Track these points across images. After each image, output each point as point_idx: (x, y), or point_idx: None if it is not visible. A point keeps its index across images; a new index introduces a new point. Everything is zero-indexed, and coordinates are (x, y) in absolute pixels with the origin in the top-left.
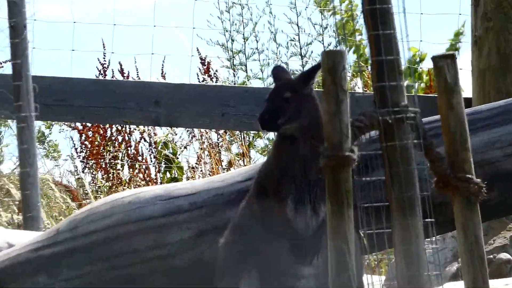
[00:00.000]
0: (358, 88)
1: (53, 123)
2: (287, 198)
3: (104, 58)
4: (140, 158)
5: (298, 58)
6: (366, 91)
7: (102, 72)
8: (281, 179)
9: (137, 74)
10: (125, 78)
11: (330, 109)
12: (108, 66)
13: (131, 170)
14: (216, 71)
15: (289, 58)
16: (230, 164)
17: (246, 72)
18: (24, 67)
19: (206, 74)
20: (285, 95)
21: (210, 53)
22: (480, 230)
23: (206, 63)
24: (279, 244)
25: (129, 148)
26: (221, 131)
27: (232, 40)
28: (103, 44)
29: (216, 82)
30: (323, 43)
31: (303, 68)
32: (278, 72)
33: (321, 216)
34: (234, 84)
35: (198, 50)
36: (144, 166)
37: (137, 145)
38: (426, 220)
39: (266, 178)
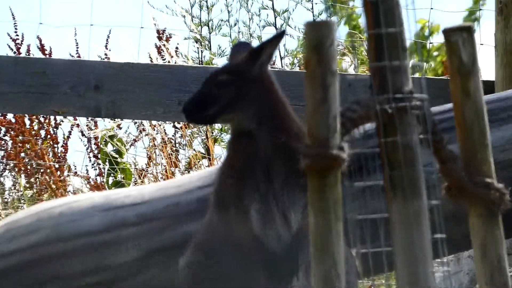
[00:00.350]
0: (354, 67)
1: None
2: (251, 209)
3: (15, 31)
4: (71, 157)
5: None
6: (361, 73)
7: (15, 50)
8: (241, 186)
9: (77, 51)
10: (48, 56)
11: (314, 96)
12: (22, 42)
13: (59, 172)
14: (177, 49)
15: (262, 30)
16: (189, 165)
17: (210, 49)
18: None
19: (166, 52)
20: (220, 78)
21: (170, 25)
22: (503, 248)
23: (164, 37)
24: (250, 265)
25: (55, 146)
26: (180, 124)
27: (201, 7)
28: (12, 14)
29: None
30: (312, 12)
31: (284, 46)
32: (238, 52)
33: (294, 227)
34: (200, 63)
35: (154, 20)
36: (77, 168)
37: (66, 140)
38: (436, 236)
39: (223, 185)
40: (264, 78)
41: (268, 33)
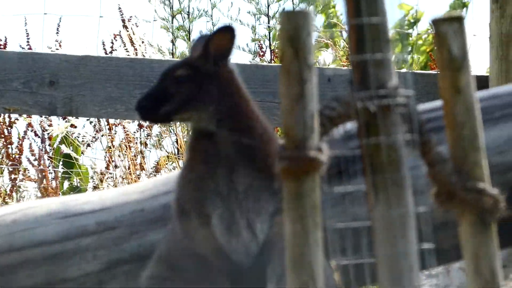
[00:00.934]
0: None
1: None
2: (213, 217)
3: None
4: (27, 159)
5: (255, 19)
6: (340, 66)
7: None
8: (201, 192)
9: (28, 43)
10: (2, 47)
11: (290, 92)
12: None
13: (13, 176)
14: (142, 41)
15: (238, 15)
16: (157, 169)
17: (189, 40)
18: None
19: (130, 43)
20: (177, 73)
21: (137, 13)
22: (497, 260)
23: (130, 27)
24: (215, 278)
25: (9, 146)
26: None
27: None
28: None
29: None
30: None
31: (269, 35)
32: (200, 44)
33: (261, 238)
34: (172, 56)
35: (119, 7)
36: (31, 171)
37: (21, 141)
38: (423, 246)
39: (183, 191)
40: (223, 74)
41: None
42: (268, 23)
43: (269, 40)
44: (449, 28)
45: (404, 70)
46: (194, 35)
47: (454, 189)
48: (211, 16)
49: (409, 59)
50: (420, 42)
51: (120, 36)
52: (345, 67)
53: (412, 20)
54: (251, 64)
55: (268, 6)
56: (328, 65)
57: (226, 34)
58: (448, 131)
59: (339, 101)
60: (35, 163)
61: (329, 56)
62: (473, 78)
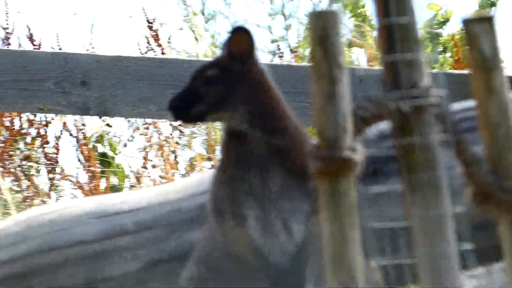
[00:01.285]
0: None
1: None
2: (247, 218)
3: (7, 20)
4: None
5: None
6: (372, 66)
7: (5, 40)
8: (236, 192)
9: (58, 43)
10: (37, 47)
11: (321, 92)
12: (13, 31)
13: (51, 175)
14: (169, 41)
15: (272, 19)
16: (191, 167)
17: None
18: None
19: (155, 43)
20: (207, 73)
21: (162, 14)
22: None
23: (155, 27)
24: (253, 279)
25: (45, 146)
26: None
27: None
28: (5, 1)
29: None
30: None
31: (286, 32)
32: (233, 39)
33: (297, 238)
34: (197, 56)
35: (143, 9)
36: (68, 170)
37: (58, 140)
38: (463, 246)
39: (218, 193)
40: (253, 74)
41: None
42: (285, 21)
43: (287, 40)
44: (479, 27)
45: (435, 70)
46: (212, 36)
47: (490, 190)
48: (227, 17)
49: (440, 59)
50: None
51: (147, 36)
52: (377, 67)
53: (441, 20)
54: (282, 64)
55: (283, 6)
56: (360, 66)
57: (242, 35)
58: (482, 132)
59: (371, 101)
60: (72, 163)
61: (361, 56)
62: (507, 78)
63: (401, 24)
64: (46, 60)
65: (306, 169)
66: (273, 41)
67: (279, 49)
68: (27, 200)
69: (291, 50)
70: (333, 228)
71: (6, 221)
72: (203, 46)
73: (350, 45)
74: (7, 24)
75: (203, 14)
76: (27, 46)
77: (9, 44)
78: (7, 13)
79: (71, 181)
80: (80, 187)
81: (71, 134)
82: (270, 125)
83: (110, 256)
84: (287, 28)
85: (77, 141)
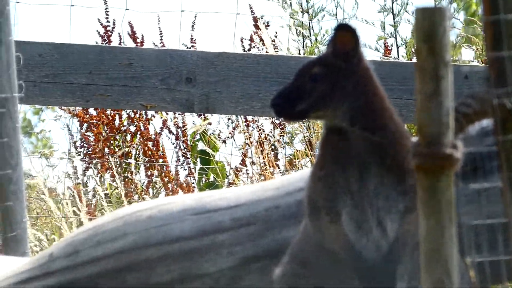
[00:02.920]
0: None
1: (43, 107)
2: (343, 214)
3: (107, 18)
4: (162, 155)
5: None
6: (477, 63)
7: (105, 37)
8: (332, 189)
9: (161, 40)
10: (139, 44)
11: (425, 89)
12: (113, 28)
13: (149, 172)
14: (275, 37)
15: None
16: (290, 165)
17: (310, 38)
18: (3, 29)
19: (261, 41)
20: (313, 70)
21: (267, 12)
22: None
23: (261, 25)
24: (346, 276)
25: (146, 143)
26: (280, 120)
27: None
28: None
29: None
30: None
31: (395, 31)
32: (339, 36)
33: (391, 236)
34: (301, 53)
35: (250, 6)
36: (169, 167)
37: (157, 137)
38: None
39: (314, 189)
40: (359, 71)
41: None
42: (394, 19)
43: (395, 37)
44: None
45: None
46: (317, 34)
47: None
48: (336, 14)
49: None
50: None
51: (253, 34)
52: (483, 64)
53: None
54: (389, 61)
55: (393, 2)
56: (468, 62)
57: (346, 32)
58: None
59: (475, 98)
60: (172, 159)
61: (469, 53)
62: None
63: (508, 21)
64: (151, 57)
65: (404, 168)
66: (379, 38)
67: (386, 46)
68: (126, 197)
69: (398, 47)
70: (431, 224)
71: (104, 217)
72: (308, 44)
73: (459, 42)
74: (108, 21)
75: (308, 12)
76: (129, 44)
77: (110, 41)
78: (107, 10)
79: (170, 178)
80: (179, 185)
81: (170, 131)
82: (371, 123)
83: (206, 252)
84: (395, 25)
85: (177, 138)
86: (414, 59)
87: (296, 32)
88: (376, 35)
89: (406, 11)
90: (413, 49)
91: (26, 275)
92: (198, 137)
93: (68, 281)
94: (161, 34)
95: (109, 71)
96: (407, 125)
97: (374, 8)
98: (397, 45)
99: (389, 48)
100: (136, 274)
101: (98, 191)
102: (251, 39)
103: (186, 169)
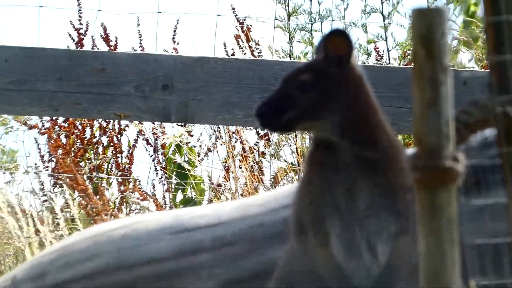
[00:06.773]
0: (475, 65)
1: (9, 117)
2: (331, 235)
3: (80, 20)
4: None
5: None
6: (478, 68)
7: (78, 41)
8: (319, 207)
9: (140, 44)
10: (112, 48)
11: (423, 97)
12: (86, 31)
13: (122, 187)
14: (257, 42)
15: (368, 17)
16: (275, 180)
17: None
18: None
19: (247, 44)
20: (301, 78)
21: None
22: None
23: (245, 27)
24: None
25: (119, 156)
26: (265, 130)
27: None
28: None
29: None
30: None
31: (385, 33)
32: (329, 43)
33: (382, 260)
34: (290, 58)
35: (232, 7)
36: (142, 182)
37: (131, 150)
38: None
39: (300, 208)
40: (351, 79)
41: (374, 22)
42: (384, 21)
43: (385, 40)
44: None
45: None
46: (314, 37)
47: None
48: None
49: None
50: None
51: (236, 37)
52: (483, 69)
53: None
54: (380, 66)
55: (382, 3)
56: (465, 66)
57: (339, 38)
58: None
59: (476, 106)
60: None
61: (467, 56)
62: None
63: (511, 22)
64: (125, 62)
65: (397, 186)
66: (369, 42)
67: (376, 49)
68: (96, 214)
69: (388, 51)
70: (431, 243)
71: (72, 236)
72: (296, 47)
73: (457, 45)
74: (80, 23)
75: (296, 13)
76: (102, 47)
77: (82, 45)
78: (80, 12)
79: (145, 193)
80: (155, 201)
81: (148, 143)
82: (363, 137)
83: (184, 275)
84: (386, 27)
85: (155, 150)
86: (403, 63)
87: (290, 35)
88: (366, 38)
89: (397, 12)
90: (406, 53)
91: None
92: (174, 149)
93: None
94: (140, 37)
95: (80, 77)
96: (401, 136)
97: (359, 7)
98: (387, 48)
99: (380, 53)
100: None
101: (65, 208)
102: (237, 40)
103: (164, 184)
